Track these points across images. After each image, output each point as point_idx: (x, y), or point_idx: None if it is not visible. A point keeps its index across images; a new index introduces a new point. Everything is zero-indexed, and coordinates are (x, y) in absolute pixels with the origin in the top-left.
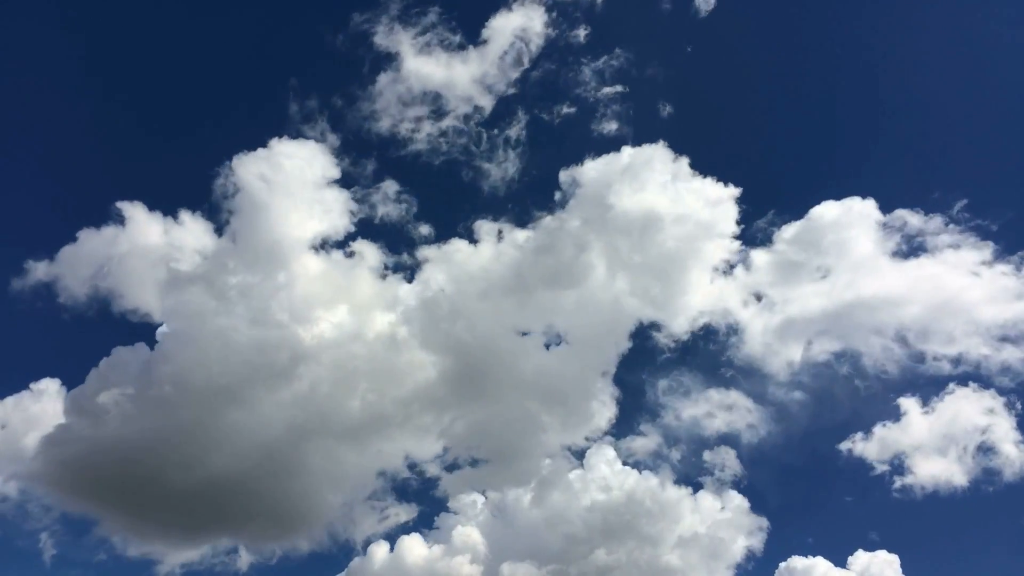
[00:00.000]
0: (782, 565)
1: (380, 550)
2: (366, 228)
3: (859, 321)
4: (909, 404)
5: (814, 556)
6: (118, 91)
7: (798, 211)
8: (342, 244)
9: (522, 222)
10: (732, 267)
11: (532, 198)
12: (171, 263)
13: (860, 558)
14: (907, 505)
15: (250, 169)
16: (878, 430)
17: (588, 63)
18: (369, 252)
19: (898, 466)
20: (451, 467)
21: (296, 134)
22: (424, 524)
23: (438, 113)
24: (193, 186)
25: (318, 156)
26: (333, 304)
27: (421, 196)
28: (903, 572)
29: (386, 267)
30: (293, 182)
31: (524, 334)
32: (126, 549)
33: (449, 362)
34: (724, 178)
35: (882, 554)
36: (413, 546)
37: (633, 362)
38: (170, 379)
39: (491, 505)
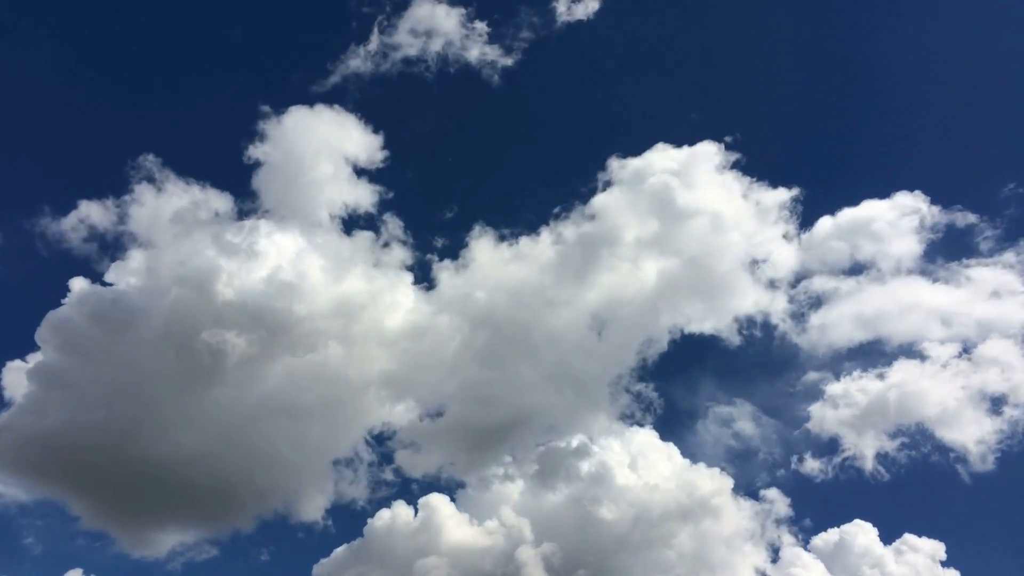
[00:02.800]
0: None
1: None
2: (391, 205)
3: (899, 327)
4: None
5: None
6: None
7: (843, 209)
8: (362, 220)
9: (556, 212)
10: (773, 268)
11: (568, 187)
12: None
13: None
14: (951, 495)
15: (274, 137)
16: (916, 430)
17: (629, 51)
18: (393, 229)
19: (941, 461)
20: (469, 446)
21: (322, 103)
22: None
23: (471, 90)
24: (213, 152)
25: (343, 127)
26: (346, 277)
27: (449, 178)
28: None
29: (410, 248)
30: (316, 153)
31: (553, 323)
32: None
33: (473, 345)
34: (768, 175)
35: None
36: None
37: (668, 360)
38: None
39: (517, 487)
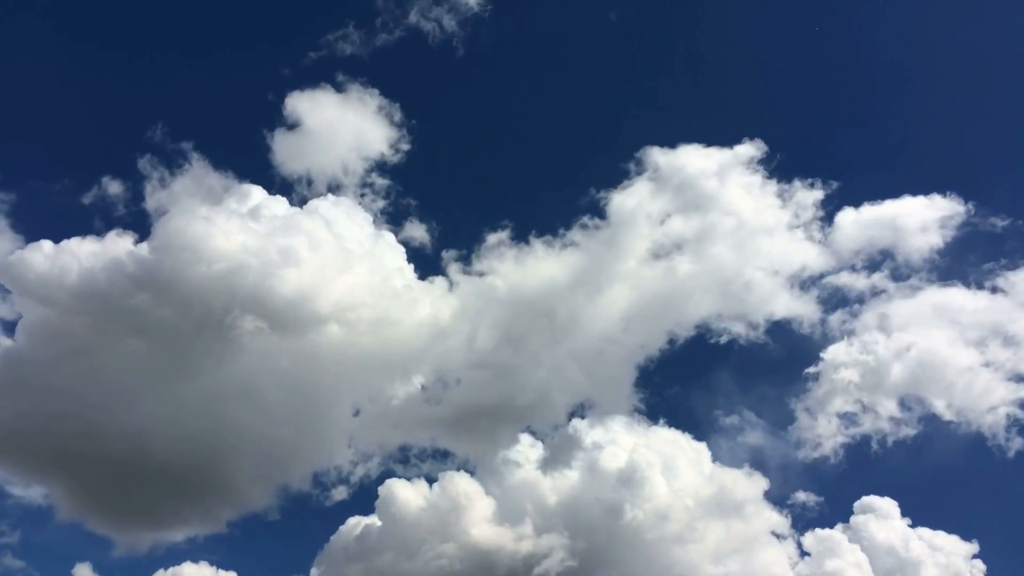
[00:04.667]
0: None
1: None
2: (411, 188)
3: (931, 329)
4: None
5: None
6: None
7: (875, 211)
8: (380, 201)
9: (578, 208)
10: (802, 269)
11: (594, 182)
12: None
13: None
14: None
15: (291, 116)
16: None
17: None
18: (412, 214)
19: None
20: (484, 428)
21: (342, 82)
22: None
23: (499, 75)
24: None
25: (364, 108)
26: (359, 260)
27: (471, 166)
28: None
29: (428, 233)
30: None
31: (572, 316)
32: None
33: (489, 331)
34: (799, 175)
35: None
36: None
37: (689, 359)
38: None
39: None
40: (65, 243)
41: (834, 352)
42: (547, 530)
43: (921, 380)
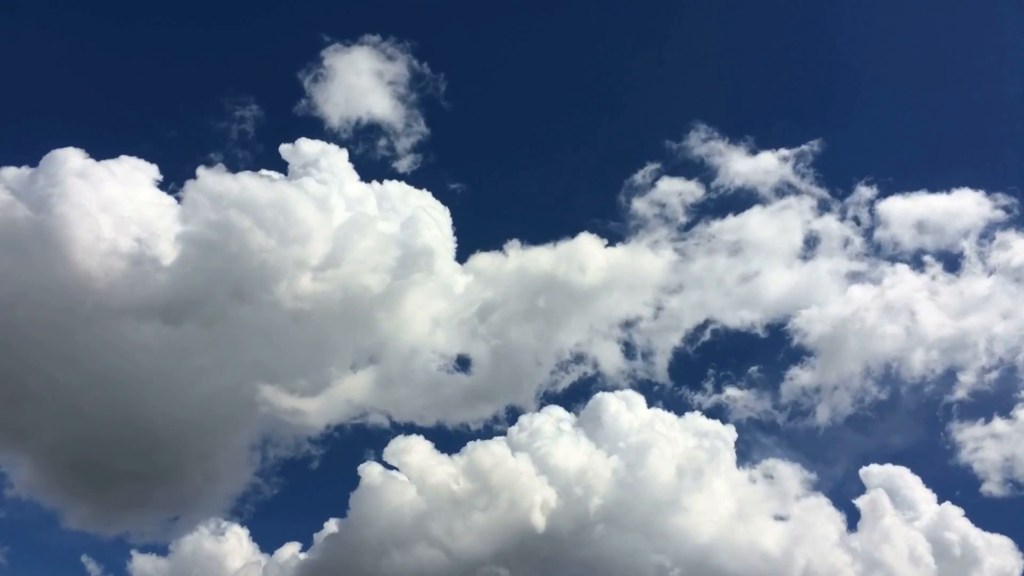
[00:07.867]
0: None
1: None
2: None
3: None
4: None
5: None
6: None
7: (925, 209)
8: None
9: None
10: (848, 264)
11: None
12: None
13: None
14: None
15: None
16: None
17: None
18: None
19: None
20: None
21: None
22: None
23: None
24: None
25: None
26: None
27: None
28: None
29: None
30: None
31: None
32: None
33: (511, 310)
34: (850, 170)
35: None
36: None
37: (713, 355)
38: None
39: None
40: None
41: (878, 341)
42: (571, 506)
43: (963, 369)
